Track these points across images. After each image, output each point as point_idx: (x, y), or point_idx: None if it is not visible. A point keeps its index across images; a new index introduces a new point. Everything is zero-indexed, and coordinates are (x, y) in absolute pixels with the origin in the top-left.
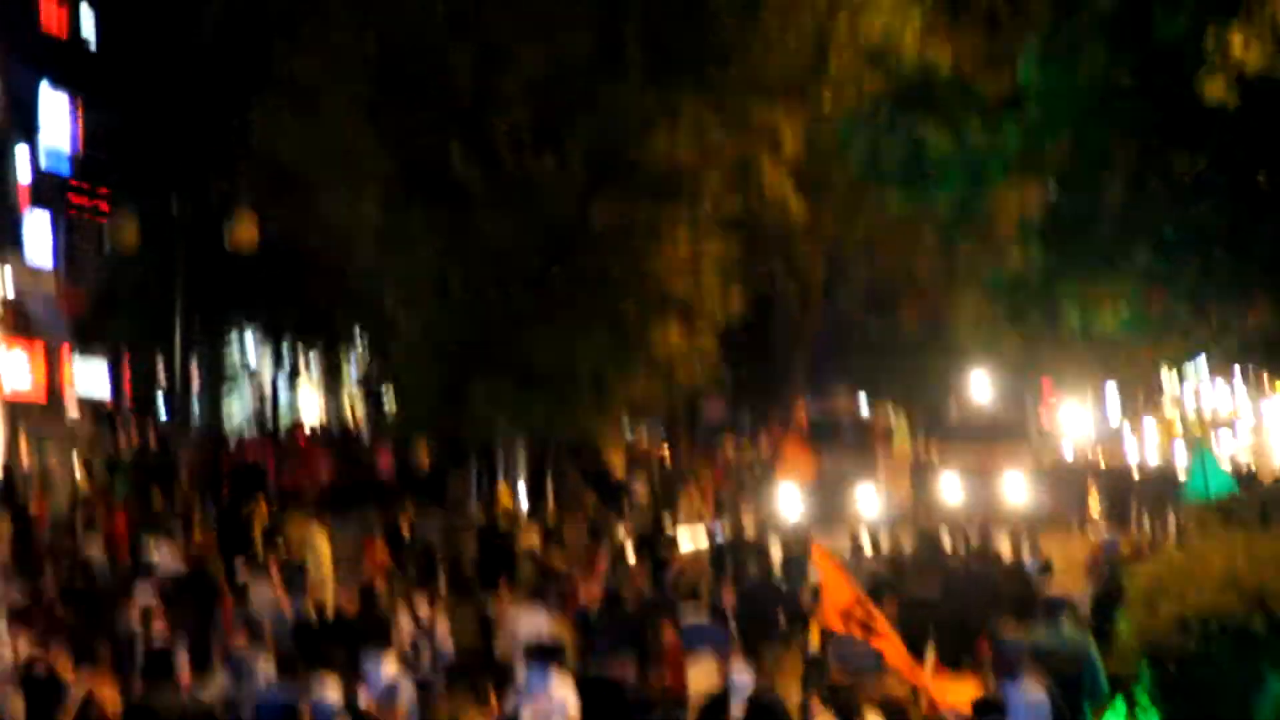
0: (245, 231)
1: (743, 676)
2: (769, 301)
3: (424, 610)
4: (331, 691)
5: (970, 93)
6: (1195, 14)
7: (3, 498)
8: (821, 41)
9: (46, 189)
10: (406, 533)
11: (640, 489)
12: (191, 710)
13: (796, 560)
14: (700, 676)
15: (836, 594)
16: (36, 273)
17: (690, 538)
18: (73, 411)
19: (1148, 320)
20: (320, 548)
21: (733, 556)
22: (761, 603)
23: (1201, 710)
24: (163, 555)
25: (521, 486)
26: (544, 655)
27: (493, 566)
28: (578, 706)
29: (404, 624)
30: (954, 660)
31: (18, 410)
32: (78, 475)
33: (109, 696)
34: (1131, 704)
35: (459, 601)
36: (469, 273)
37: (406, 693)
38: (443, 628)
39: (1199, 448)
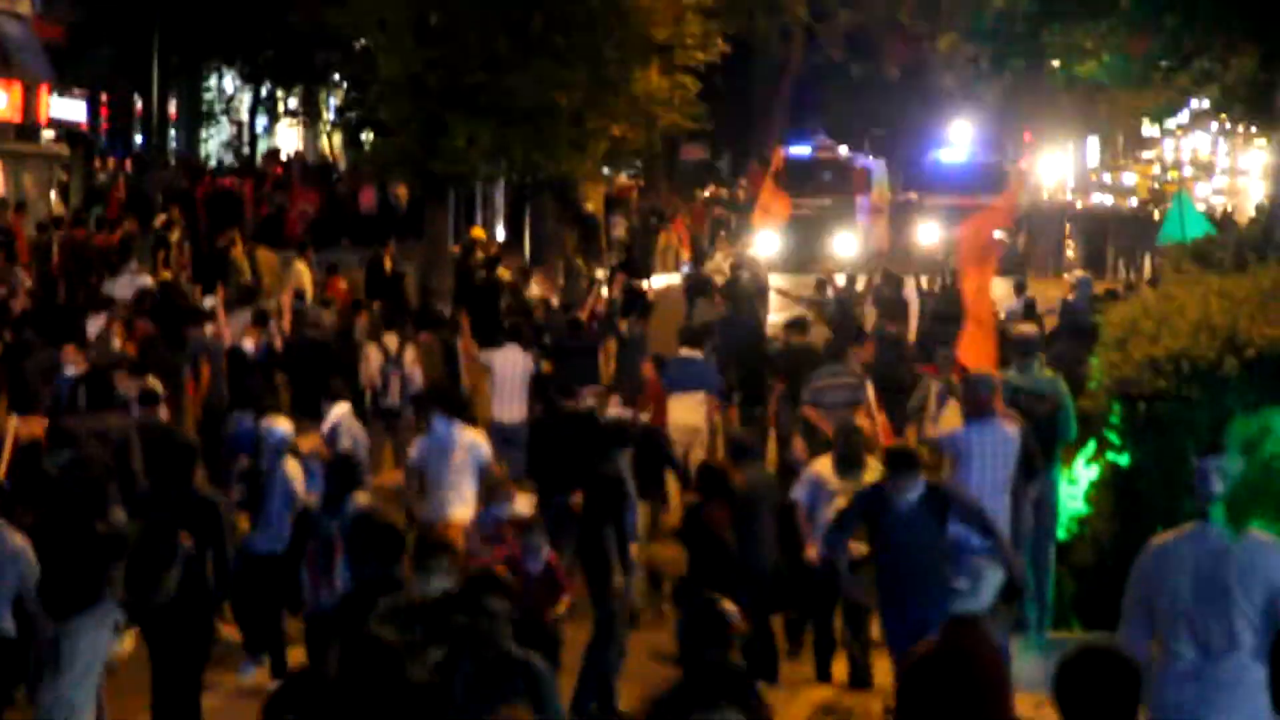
0: None
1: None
2: (749, 43)
3: (393, 342)
4: (283, 424)
5: None
6: None
7: None
8: None
9: None
10: (389, 266)
11: (619, 228)
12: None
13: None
14: (684, 411)
15: None
16: (12, 2)
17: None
18: (49, 137)
19: (1130, 68)
20: (302, 279)
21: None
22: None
23: (1171, 449)
24: (132, 276)
25: (500, 225)
26: (443, 402)
27: (468, 301)
28: (489, 450)
29: (373, 355)
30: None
31: None
32: (53, 199)
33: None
34: (1102, 443)
35: (430, 334)
36: (447, 11)
37: (349, 435)
38: (410, 358)
39: (1177, 193)
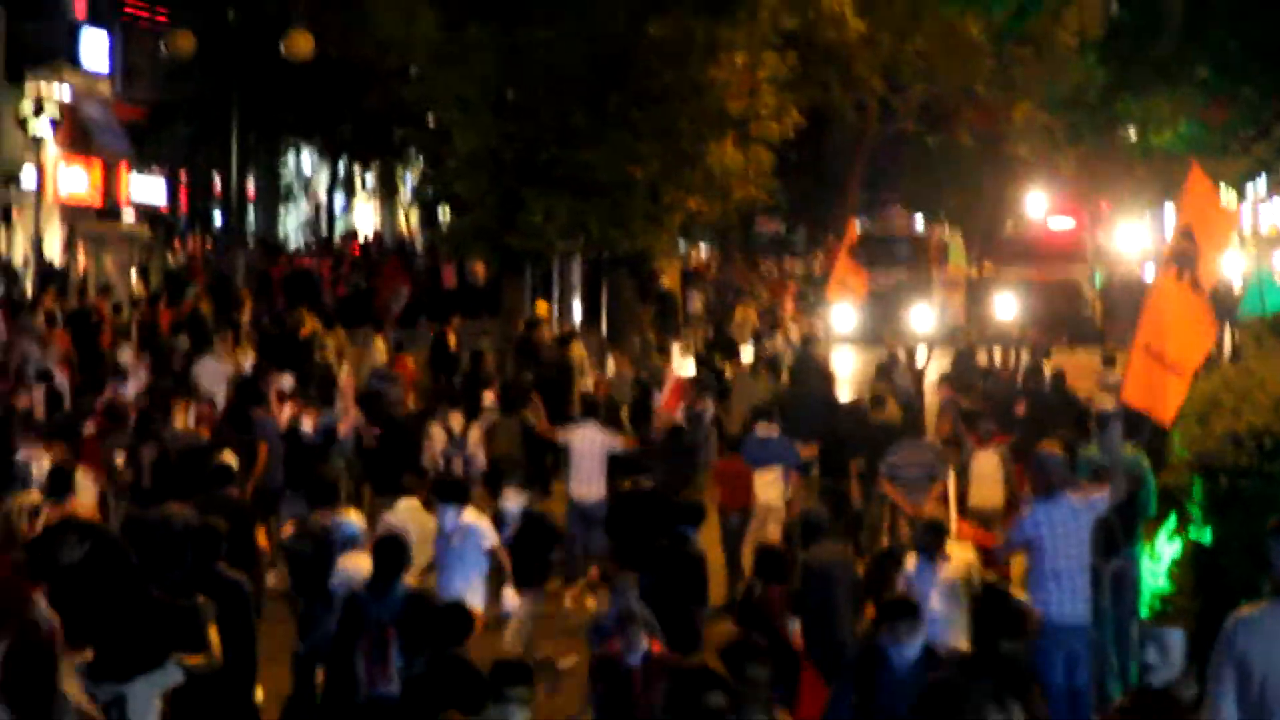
0: (301, 44)
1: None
2: (825, 117)
3: (457, 422)
4: (355, 519)
5: None
6: None
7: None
8: None
9: None
10: (453, 345)
11: (695, 303)
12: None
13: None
14: (760, 487)
15: None
16: (93, 82)
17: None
18: (129, 218)
19: (1208, 136)
20: (380, 358)
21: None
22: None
23: (1252, 525)
24: (208, 364)
25: (576, 300)
26: (444, 490)
27: (539, 379)
28: (493, 536)
29: (437, 436)
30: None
31: (75, 214)
32: (133, 281)
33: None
34: (1183, 519)
35: (504, 413)
36: (524, 87)
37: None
38: (474, 438)
39: (1257, 266)
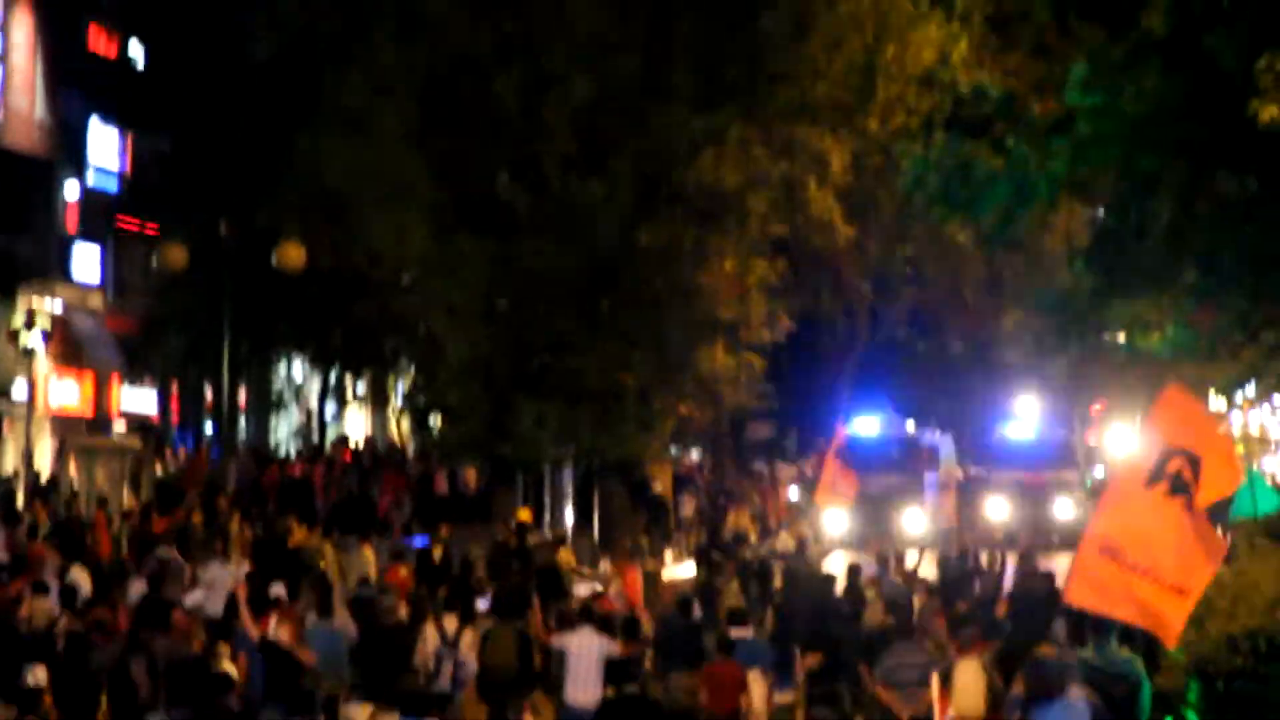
0: (292, 255)
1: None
2: (815, 322)
3: (451, 625)
4: None
5: (1019, 115)
6: (1249, 40)
7: (52, 513)
8: (870, 65)
9: (95, 213)
10: (438, 554)
11: (687, 508)
12: None
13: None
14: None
15: None
16: (85, 295)
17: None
18: (120, 429)
19: (1196, 341)
20: (368, 566)
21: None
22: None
23: None
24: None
25: (568, 507)
26: (402, 700)
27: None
28: None
29: (430, 637)
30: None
31: (65, 426)
32: (125, 494)
33: None
34: None
35: (499, 620)
36: (515, 296)
37: None
38: (467, 643)
39: (1247, 468)
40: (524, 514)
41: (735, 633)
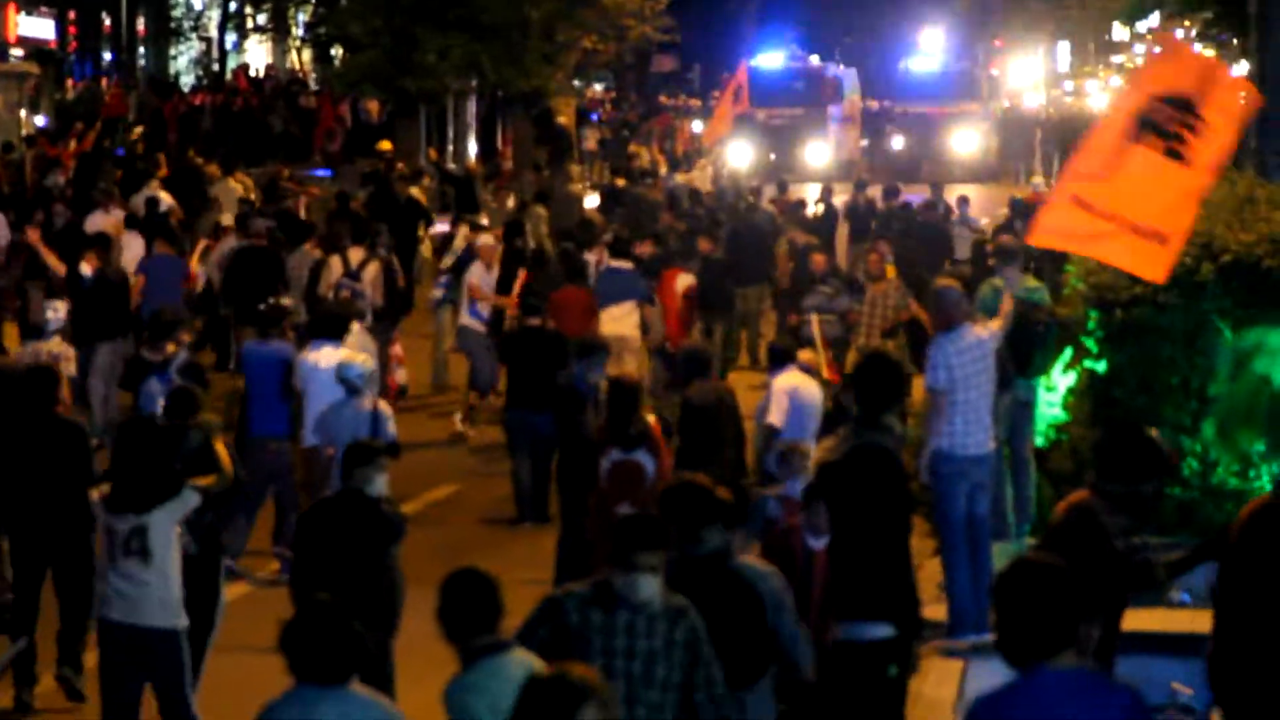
0: None
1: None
2: None
3: (356, 256)
4: None
5: None
6: None
7: None
8: None
9: None
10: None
11: (590, 141)
12: None
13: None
14: (610, 322)
15: None
16: None
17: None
18: (18, 54)
19: None
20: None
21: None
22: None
23: (1147, 355)
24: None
25: (472, 140)
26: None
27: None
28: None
29: (335, 266)
30: None
31: None
32: (23, 117)
33: None
34: (1079, 350)
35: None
36: None
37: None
38: (370, 275)
39: None
40: (385, 144)
41: (614, 263)
